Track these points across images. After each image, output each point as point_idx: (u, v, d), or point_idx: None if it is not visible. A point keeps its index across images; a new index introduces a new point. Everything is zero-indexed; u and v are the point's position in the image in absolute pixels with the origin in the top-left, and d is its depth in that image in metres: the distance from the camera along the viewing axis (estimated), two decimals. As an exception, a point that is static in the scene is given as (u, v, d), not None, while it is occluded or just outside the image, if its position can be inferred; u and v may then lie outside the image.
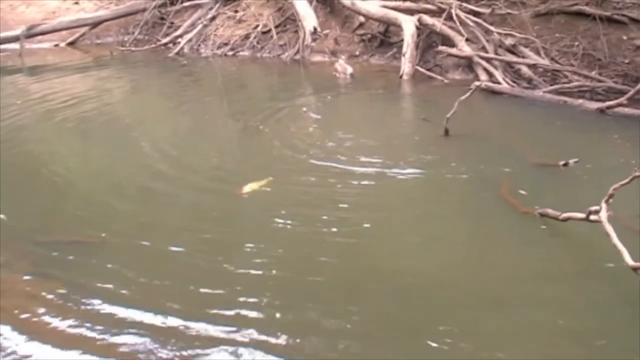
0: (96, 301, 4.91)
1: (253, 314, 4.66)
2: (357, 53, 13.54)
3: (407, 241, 5.75)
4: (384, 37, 13.48)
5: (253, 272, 5.20)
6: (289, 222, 6.05)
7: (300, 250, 5.57)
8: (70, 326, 4.63)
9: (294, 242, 5.70)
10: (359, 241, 5.70)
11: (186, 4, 16.01)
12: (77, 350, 4.40)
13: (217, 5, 15.76)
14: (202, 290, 5.00)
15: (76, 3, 19.09)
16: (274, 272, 5.21)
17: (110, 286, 5.13)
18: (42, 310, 4.85)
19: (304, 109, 10.24)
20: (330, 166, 7.44)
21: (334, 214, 6.20)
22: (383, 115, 9.99)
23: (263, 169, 7.41)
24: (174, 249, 5.70)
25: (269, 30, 14.77)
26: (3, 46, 17.47)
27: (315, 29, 13.53)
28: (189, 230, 6.06)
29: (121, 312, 4.75)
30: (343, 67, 12.16)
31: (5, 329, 4.63)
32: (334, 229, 5.86)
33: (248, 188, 6.67)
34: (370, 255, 5.50)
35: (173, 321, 4.58)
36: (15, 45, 17.01)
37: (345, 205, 6.41)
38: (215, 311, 4.68)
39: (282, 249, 5.53)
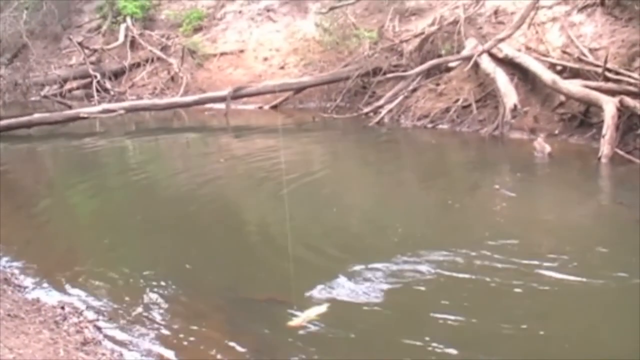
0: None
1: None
2: (556, 132, 13.93)
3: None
4: (584, 117, 13.78)
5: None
6: (454, 318, 6.21)
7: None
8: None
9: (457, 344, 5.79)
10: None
11: (389, 75, 16.98)
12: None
13: (420, 78, 16.60)
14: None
15: (282, 68, 20.73)
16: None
17: (297, 351, 5.84)
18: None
19: (497, 186, 10.92)
20: (509, 256, 7.55)
21: (504, 316, 6.27)
22: (577, 198, 10.43)
23: (441, 248, 7.78)
24: (363, 324, 6.26)
25: (469, 105, 15.42)
26: (210, 105, 19.16)
27: (515, 105, 13.97)
28: (377, 304, 6.59)
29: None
30: (541, 145, 12.69)
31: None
32: (505, 336, 5.94)
33: (301, 320, 6.26)
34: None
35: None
36: (221, 105, 18.85)
37: (522, 307, 6.49)
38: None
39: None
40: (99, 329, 6.29)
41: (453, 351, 5.69)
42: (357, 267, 7.41)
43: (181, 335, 6.22)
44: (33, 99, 22.25)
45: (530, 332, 6.00)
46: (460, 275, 7.21)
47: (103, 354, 5.75)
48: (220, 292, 7.20)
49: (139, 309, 6.72)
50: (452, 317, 6.20)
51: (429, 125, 15.65)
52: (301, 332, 6.08)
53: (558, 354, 5.72)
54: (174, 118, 19.92)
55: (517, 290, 6.83)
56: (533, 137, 13.48)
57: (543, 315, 6.37)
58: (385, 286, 6.97)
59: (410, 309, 6.55)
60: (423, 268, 7.34)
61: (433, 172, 12.67)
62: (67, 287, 7.34)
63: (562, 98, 14.20)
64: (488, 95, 15.39)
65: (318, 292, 6.84)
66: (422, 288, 6.94)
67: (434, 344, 5.77)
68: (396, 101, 16.56)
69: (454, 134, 15.14)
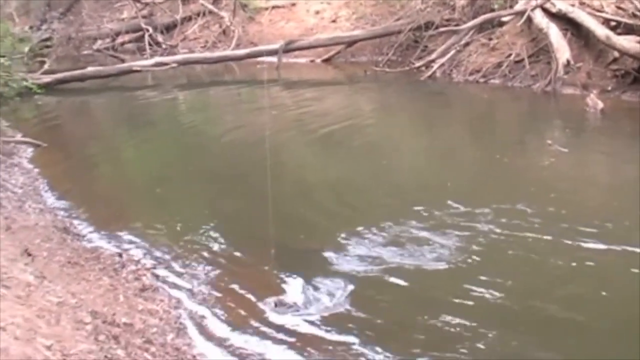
0: (326, 298, 5.89)
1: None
2: (609, 88, 13.92)
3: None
4: (638, 74, 13.73)
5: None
6: (492, 283, 6.14)
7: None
8: (306, 322, 5.59)
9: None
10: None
11: (441, 29, 17.15)
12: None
13: (472, 32, 16.71)
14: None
15: (333, 21, 20.82)
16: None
17: (339, 283, 6.14)
18: (287, 302, 5.88)
19: (549, 141, 11.00)
20: (556, 215, 7.52)
21: (545, 284, 6.22)
22: (629, 155, 10.17)
23: (490, 204, 7.78)
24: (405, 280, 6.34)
25: (522, 60, 15.46)
26: (262, 59, 19.33)
27: (568, 61, 14.10)
28: (419, 260, 6.67)
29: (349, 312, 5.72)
30: (594, 102, 12.76)
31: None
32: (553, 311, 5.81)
33: None
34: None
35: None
36: (272, 59, 18.92)
37: (565, 273, 6.43)
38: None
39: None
40: (156, 276, 6.59)
41: (486, 319, 5.65)
42: (405, 220, 7.58)
43: (235, 282, 6.45)
44: (85, 52, 22.64)
45: (572, 298, 6.02)
46: (506, 233, 7.22)
47: (161, 300, 6.03)
48: (270, 241, 7.09)
49: (194, 257, 7.03)
50: (490, 282, 6.19)
51: (481, 80, 15.78)
52: (346, 278, 6.31)
53: (599, 320, 5.71)
54: (226, 71, 20.23)
55: (560, 253, 6.75)
56: (585, 93, 13.55)
57: (584, 280, 6.37)
58: (429, 240, 7.09)
59: (449, 271, 6.53)
60: (467, 225, 7.41)
61: (484, 126, 12.85)
62: (124, 235, 7.67)
63: (616, 54, 14.21)
64: (541, 50, 15.42)
65: (363, 244, 7.04)
66: (465, 249, 6.90)
67: (473, 307, 5.82)
68: (448, 55, 16.67)
69: (505, 89, 15.24)
